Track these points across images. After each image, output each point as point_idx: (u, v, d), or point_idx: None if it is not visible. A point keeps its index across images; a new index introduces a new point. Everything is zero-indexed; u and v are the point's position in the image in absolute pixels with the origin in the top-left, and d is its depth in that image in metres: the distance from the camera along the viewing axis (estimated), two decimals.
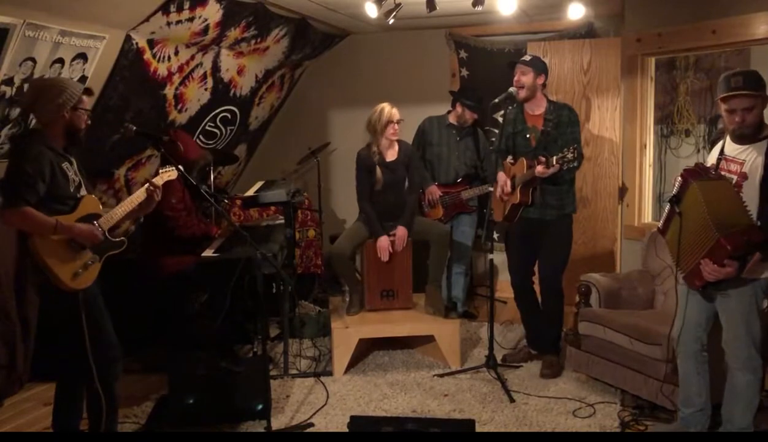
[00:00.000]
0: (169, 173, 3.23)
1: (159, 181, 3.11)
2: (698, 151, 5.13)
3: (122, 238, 2.99)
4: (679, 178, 2.94)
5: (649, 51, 4.58)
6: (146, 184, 3.04)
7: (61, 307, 2.78)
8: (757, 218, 2.75)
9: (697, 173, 2.89)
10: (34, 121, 3.45)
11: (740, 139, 2.86)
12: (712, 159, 2.99)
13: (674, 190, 2.95)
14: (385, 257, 4.31)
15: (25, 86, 3.22)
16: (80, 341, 2.77)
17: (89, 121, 2.93)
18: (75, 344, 2.78)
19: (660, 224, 3.12)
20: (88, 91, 2.90)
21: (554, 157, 3.71)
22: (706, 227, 2.76)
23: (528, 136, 4.02)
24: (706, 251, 2.77)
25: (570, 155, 3.65)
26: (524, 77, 3.95)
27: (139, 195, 3.02)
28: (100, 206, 2.97)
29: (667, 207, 3.03)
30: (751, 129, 2.80)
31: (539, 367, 4.14)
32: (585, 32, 5.18)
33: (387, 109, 4.26)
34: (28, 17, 2.92)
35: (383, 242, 4.30)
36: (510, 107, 4.04)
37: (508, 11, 4.05)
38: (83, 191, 2.90)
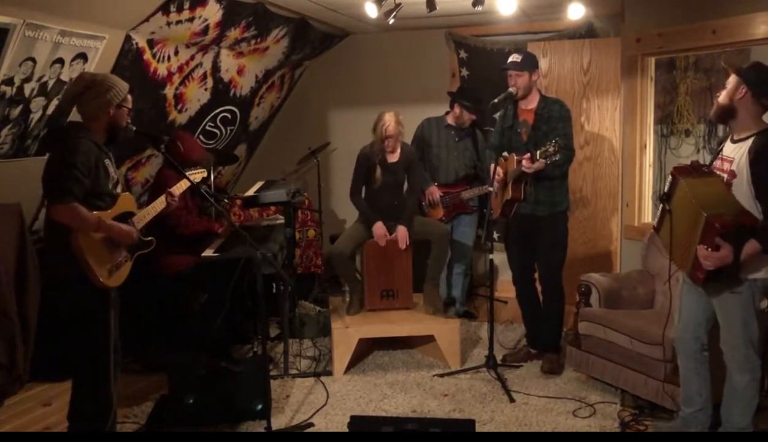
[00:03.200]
0: (198, 175, 3.34)
1: (177, 190, 3.19)
2: (698, 151, 5.12)
3: (151, 237, 3.02)
4: (670, 176, 2.97)
5: (649, 51, 4.58)
6: (165, 194, 3.14)
7: (91, 306, 2.76)
8: (763, 215, 2.74)
9: (686, 171, 2.91)
10: (34, 121, 3.46)
11: (711, 114, 2.97)
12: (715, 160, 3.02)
13: (665, 188, 2.98)
14: (382, 242, 4.31)
15: (25, 86, 3.23)
16: (105, 341, 2.76)
17: (129, 120, 2.94)
18: (96, 344, 2.77)
19: (655, 222, 3.14)
20: (131, 91, 2.91)
21: (537, 152, 3.71)
22: (696, 215, 2.76)
23: (520, 131, 4.03)
24: (699, 237, 2.76)
25: (551, 149, 3.65)
26: (520, 79, 3.94)
27: (161, 203, 3.11)
28: (135, 204, 3.00)
29: (660, 205, 3.05)
30: (716, 106, 2.89)
31: (539, 367, 4.14)
32: (585, 32, 5.18)
33: (385, 125, 4.25)
34: (28, 17, 2.91)
35: (379, 228, 4.31)
36: (510, 107, 4.04)
37: (508, 11, 4.04)
38: (119, 189, 2.92)
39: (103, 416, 2.86)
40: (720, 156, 2.94)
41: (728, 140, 2.93)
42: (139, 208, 3.08)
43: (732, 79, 2.83)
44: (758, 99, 2.79)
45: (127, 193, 2.98)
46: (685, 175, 2.88)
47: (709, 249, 2.72)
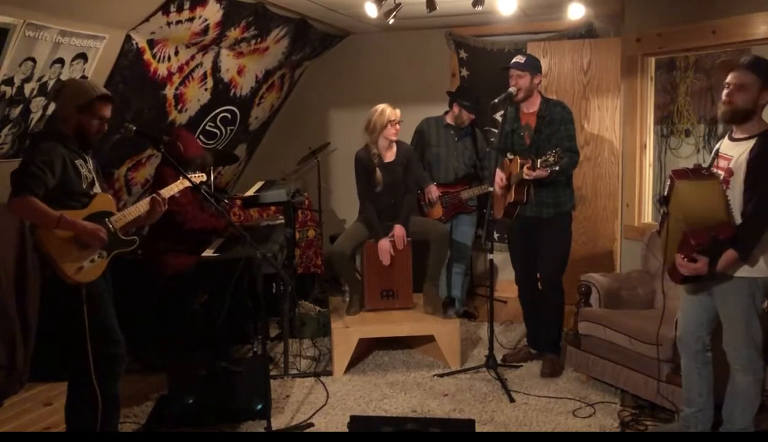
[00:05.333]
0: (197, 179, 3.36)
1: (166, 193, 3.15)
2: (698, 151, 5.12)
3: (134, 237, 3.00)
4: (669, 179, 2.97)
5: (649, 51, 4.58)
6: (152, 195, 3.08)
7: (64, 301, 2.79)
8: (742, 217, 2.77)
9: (684, 173, 2.91)
10: (34, 121, 3.47)
11: (725, 118, 2.84)
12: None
13: (665, 192, 2.99)
14: (386, 261, 4.31)
15: (25, 86, 3.23)
16: (81, 336, 2.77)
17: (104, 128, 2.92)
18: (75, 340, 2.78)
19: (657, 225, 3.16)
20: (106, 98, 2.87)
21: (538, 161, 3.72)
22: (679, 223, 2.84)
23: (522, 134, 4.03)
24: (678, 246, 2.86)
25: (551, 159, 3.64)
26: (521, 80, 3.93)
27: (144, 204, 3.06)
28: (114, 204, 2.98)
29: (661, 209, 3.07)
30: (735, 108, 2.77)
31: (539, 367, 4.14)
32: (585, 32, 5.19)
33: (388, 109, 4.25)
34: (28, 17, 2.92)
35: (384, 244, 4.30)
36: (510, 106, 4.03)
37: (508, 11, 4.04)
38: (96, 189, 2.91)
39: (90, 411, 2.86)
40: (718, 154, 2.93)
41: (726, 138, 2.93)
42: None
43: (752, 81, 2.72)
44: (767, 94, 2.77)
45: (106, 194, 2.97)
46: (682, 178, 2.88)
47: (686, 259, 2.82)
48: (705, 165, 3.01)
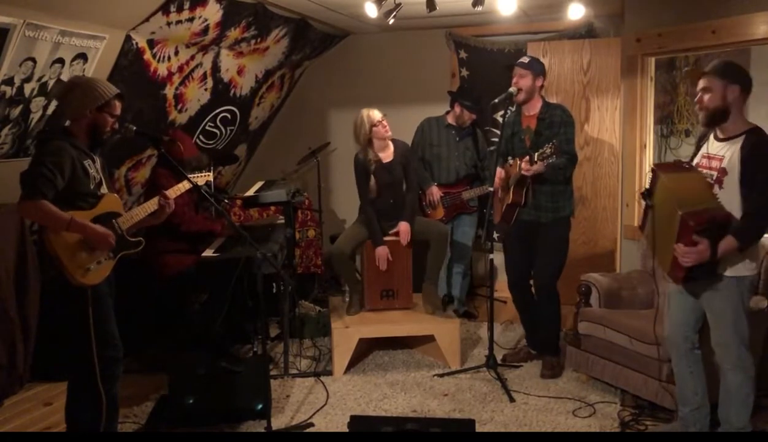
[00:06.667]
0: (202, 178, 3.29)
1: (173, 193, 3.15)
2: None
3: (140, 238, 3.00)
4: (650, 172, 2.99)
5: (649, 51, 4.58)
6: (158, 196, 3.08)
7: (69, 303, 2.79)
8: (743, 212, 2.76)
9: (667, 167, 2.95)
10: (34, 121, 3.47)
11: (704, 122, 2.91)
12: (698, 158, 3.02)
13: (647, 185, 3.00)
14: (383, 267, 4.31)
15: (25, 86, 3.23)
16: (86, 338, 2.77)
17: (116, 126, 2.93)
18: (79, 342, 2.78)
19: (639, 220, 3.15)
20: (120, 97, 2.89)
21: (535, 154, 3.71)
22: (673, 212, 2.78)
23: (523, 137, 4.02)
24: (676, 236, 2.78)
25: (548, 150, 3.63)
26: (523, 80, 3.92)
27: (151, 205, 3.06)
28: (121, 205, 2.99)
29: (644, 203, 3.07)
30: (707, 111, 2.84)
31: (539, 367, 4.14)
32: (585, 32, 5.19)
33: (365, 113, 4.25)
34: (28, 17, 2.92)
35: (382, 251, 4.30)
36: (510, 109, 4.03)
37: (508, 11, 4.05)
38: (104, 189, 2.91)
39: (94, 413, 2.86)
40: (706, 154, 2.94)
41: (711, 138, 2.95)
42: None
43: (715, 82, 2.82)
44: (746, 94, 2.82)
45: (114, 194, 2.97)
46: (666, 171, 2.91)
47: (687, 245, 2.75)
48: (686, 160, 3.04)
